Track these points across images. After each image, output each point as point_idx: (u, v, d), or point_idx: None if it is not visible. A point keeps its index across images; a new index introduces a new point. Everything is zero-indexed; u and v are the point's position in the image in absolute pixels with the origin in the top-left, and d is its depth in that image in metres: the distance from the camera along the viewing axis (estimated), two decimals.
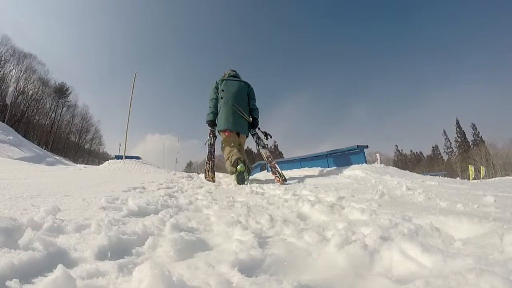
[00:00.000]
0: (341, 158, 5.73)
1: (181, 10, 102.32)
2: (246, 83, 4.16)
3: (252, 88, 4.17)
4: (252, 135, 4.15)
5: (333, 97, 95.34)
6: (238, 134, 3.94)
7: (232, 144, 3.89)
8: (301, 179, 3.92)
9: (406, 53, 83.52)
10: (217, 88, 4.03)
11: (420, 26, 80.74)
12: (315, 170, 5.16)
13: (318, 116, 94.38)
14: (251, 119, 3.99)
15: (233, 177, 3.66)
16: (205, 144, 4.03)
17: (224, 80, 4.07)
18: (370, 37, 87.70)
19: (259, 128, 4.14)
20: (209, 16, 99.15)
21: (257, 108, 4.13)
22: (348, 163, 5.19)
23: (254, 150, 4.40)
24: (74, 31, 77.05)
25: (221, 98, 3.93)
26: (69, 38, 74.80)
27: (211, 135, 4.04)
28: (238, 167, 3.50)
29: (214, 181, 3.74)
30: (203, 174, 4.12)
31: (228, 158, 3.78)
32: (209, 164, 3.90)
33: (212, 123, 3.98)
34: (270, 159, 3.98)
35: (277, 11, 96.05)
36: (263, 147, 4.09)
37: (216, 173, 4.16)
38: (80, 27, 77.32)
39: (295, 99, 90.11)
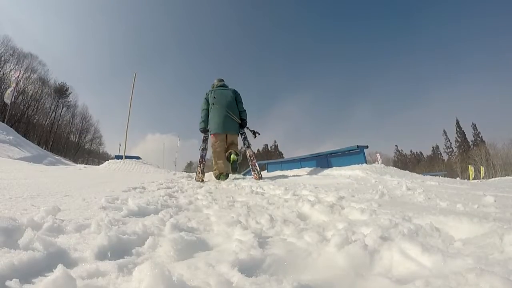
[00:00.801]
0: (341, 158, 5.75)
1: (181, 10, 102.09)
2: (233, 89, 4.69)
3: (239, 94, 4.71)
4: (241, 134, 4.66)
5: (333, 97, 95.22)
6: (227, 135, 4.43)
7: (219, 151, 4.38)
8: (301, 179, 3.93)
9: (406, 53, 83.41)
10: (207, 99, 4.58)
11: (420, 26, 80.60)
12: (315, 170, 5.17)
13: (319, 116, 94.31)
14: (240, 120, 4.55)
15: (218, 177, 4.51)
16: (199, 149, 4.67)
17: (214, 90, 4.62)
18: (370, 37, 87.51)
19: (247, 128, 4.67)
20: (209, 16, 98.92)
21: (245, 110, 4.67)
22: (348, 163, 5.20)
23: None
24: (74, 30, 76.94)
25: (213, 104, 4.45)
26: (69, 37, 74.68)
27: (203, 141, 4.63)
28: (220, 180, 4.33)
29: (203, 181, 4.29)
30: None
31: (214, 170, 4.51)
32: (200, 167, 4.52)
33: (204, 130, 4.56)
34: (252, 158, 4.57)
35: (277, 11, 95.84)
36: (248, 147, 4.67)
37: (206, 173, 4.75)
38: (80, 26, 77.26)
39: (296, 99, 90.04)
